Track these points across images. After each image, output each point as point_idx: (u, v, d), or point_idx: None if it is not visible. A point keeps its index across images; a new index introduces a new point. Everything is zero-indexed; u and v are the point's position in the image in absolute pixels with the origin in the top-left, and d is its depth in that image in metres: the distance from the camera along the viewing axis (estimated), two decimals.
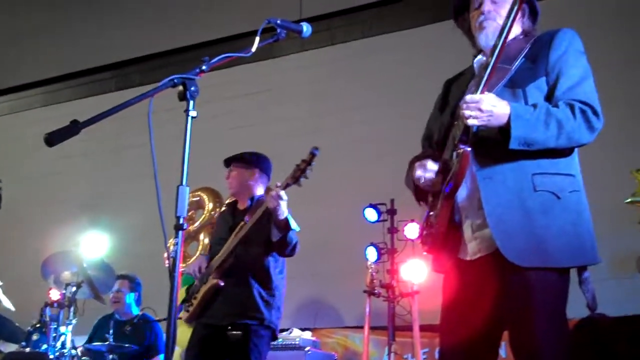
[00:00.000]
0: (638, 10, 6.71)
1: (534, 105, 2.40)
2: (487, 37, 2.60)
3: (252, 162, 4.64)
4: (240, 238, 4.33)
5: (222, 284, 4.34)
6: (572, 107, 2.40)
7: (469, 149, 2.39)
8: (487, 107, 2.32)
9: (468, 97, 2.34)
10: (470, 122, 2.34)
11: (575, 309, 2.47)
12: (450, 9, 2.85)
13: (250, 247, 4.34)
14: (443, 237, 2.57)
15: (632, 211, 5.35)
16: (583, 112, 2.40)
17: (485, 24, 2.62)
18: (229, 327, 4.27)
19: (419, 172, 2.58)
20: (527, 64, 2.53)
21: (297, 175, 4.12)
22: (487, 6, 2.63)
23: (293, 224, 4.17)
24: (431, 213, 2.63)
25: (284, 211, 4.11)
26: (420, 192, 2.70)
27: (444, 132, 2.67)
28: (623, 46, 6.35)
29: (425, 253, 2.73)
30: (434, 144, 2.75)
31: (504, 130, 2.36)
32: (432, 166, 2.57)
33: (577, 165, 2.54)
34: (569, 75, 2.48)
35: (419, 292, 6.02)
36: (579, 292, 2.41)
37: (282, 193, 4.09)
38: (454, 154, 2.44)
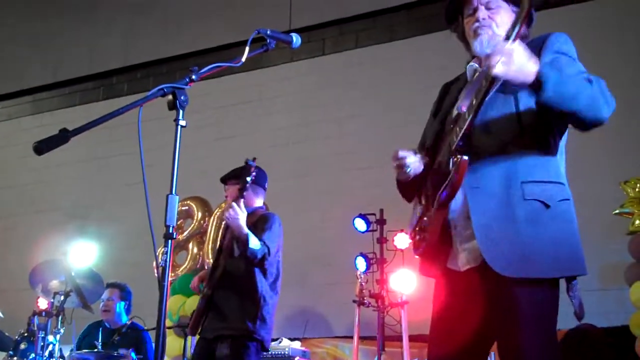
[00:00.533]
0: (624, 25, 6.77)
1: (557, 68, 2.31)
2: (482, 44, 2.56)
3: (238, 177, 4.64)
4: (224, 250, 4.40)
5: (209, 293, 4.38)
6: (587, 78, 2.33)
7: (466, 157, 2.34)
8: (519, 59, 2.20)
9: (500, 46, 2.21)
10: (498, 69, 2.20)
11: (565, 320, 2.45)
12: (443, 13, 2.79)
13: (238, 259, 4.35)
14: (435, 245, 2.55)
15: (621, 223, 5.36)
16: (599, 82, 2.33)
17: (480, 31, 2.57)
18: (218, 340, 4.30)
19: (402, 153, 2.56)
20: None
21: (241, 190, 4.25)
22: (482, 13, 2.59)
23: (252, 243, 4.19)
24: (425, 218, 2.60)
25: (240, 226, 4.17)
26: (407, 188, 2.68)
27: (433, 138, 2.66)
28: (612, 59, 6.39)
29: (416, 257, 2.70)
30: (425, 150, 2.71)
31: (534, 85, 2.25)
32: (414, 158, 2.56)
33: (564, 174, 2.50)
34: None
35: (408, 302, 6.02)
36: (568, 303, 2.40)
37: (238, 208, 4.18)
38: (451, 160, 2.40)
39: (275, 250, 4.44)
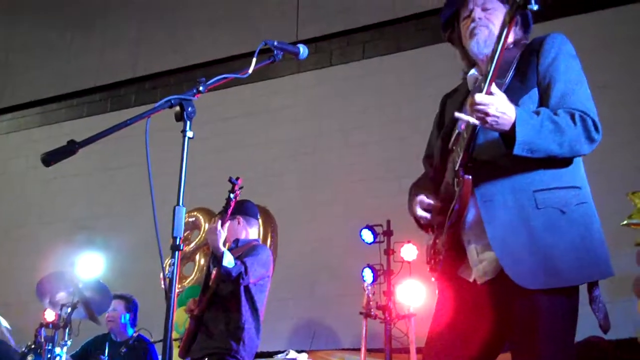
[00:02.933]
0: (629, 37, 6.76)
1: (537, 112, 2.32)
2: (479, 44, 2.55)
3: (233, 211, 4.81)
4: (213, 277, 4.54)
5: (199, 314, 4.55)
6: (572, 115, 2.32)
7: (469, 176, 2.34)
8: (494, 112, 2.22)
9: (477, 98, 2.22)
10: (473, 121, 2.26)
11: (580, 331, 2.41)
12: (439, 21, 2.80)
13: (224, 283, 4.50)
14: (450, 262, 2.53)
15: (629, 234, 5.33)
16: (583, 120, 2.32)
17: (477, 30, 2.56)
18: (205, 358, 4.49)
19: (419, 213, 2.57)
20: (518, 75, 2.47)
21: (225, 208, 4.45)
22: (478, 13, 2.58)
23: (225, 260, 4.33)
24: (437, 240, 2.58)
25: (217, 245, 4.34)
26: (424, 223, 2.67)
27: (439, 156, 2.65)
28: (624, 69, 6.38)
29: (433, 279, 2.66)
30: (434, 169, 2.71)
31: (506, 136, 2.28)
32: (430, 204, 2.56)
33: (583, 176, 2.47)
34: (562, 82, 2.41)
35: (416, 315, 5.99)
36: (583, 313, 2.37)
37: (219, 227, 4.38)
38: (455, 181, 2.40)
39: (260, 277, 4.57)
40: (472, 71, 2.65)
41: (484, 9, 2.59)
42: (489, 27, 2.55)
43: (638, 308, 5.08)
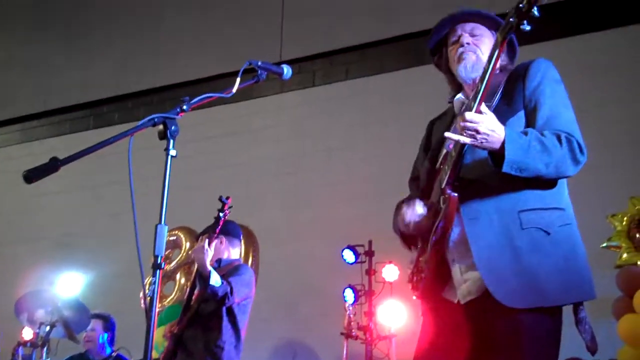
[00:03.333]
0: (604, 63, 6.85)
1: (524, 132, 2.35)
2: (467, 68, 2.59)
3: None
4: (195, 297, 4.54)
5: (179, 333, 4.51)
6: (558, 137, 2.36)
7: (456, 194, 2.36)
8: (485, 129, 2.25)
9: (468, 116, 2.27)
10: (463, 140, 2.29)
11: (563, 352, 2.41)
12: (427, 46, 2.83)
13: (206, 302, 4.48)
14: (433, 281, 2.53)
15: (609, 256, 5.37)
16: (569, 141, 2.36)
17: (465, 55, 2.60)
18: None
19: (408, 217, 2.54)
20: (505, 99, 2.50)
21: (214, 226, 4.43)
22: (466, 39, 2.63)
23: (213, 280, 4.30)
24: (421, 258, 2.59)
25: (204, 263, 4.31)
26: (408, 238, 2.67)
27: (426, 177, 2.66)
28: (598, 90, 6.45)
29: (415, 298, 2.67)
30: (420, 190, 2.71)
31: (495, 155, 2.31)
32: (420, 209, 2.53)
33: (567, 198, 2.50)
34: (547, 105, 2.45)
35: (397, 335, 5.99)
36: (566, 334, 2.37)
37: (206, 246, 4.35)
38: (442, 198, 2.42)
39: (244, 297, 4.56)
40: (459, 95, 2.69)
41: (472, 35, 2.65)
42: (477, 53, 2.60)
43: (617, 330, 5.11)
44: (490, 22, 2.65)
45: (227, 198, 4.42)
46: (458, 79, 2.67)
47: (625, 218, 5.39)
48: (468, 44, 2.62)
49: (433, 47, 2.82)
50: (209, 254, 4.36)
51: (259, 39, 8.73)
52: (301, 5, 8.76)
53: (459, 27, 2.68)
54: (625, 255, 5.27)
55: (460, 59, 2.62)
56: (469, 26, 2.67)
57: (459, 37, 2.66)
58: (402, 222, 2.58)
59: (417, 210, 2.53)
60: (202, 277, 4.35)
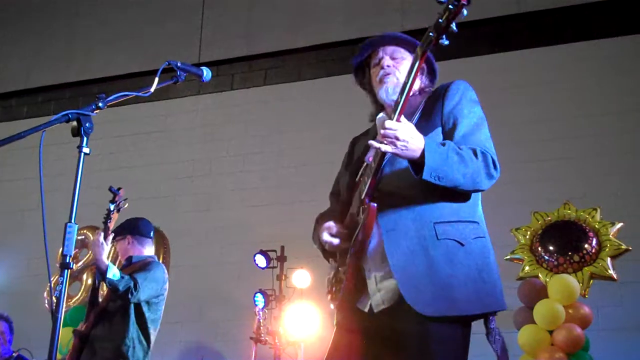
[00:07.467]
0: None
1: (442, 144, 2.41)
2: (387, 91, 2.65)
3: (122, 230, 4.79)
4: (106, 296, 4.50)
5: (85, 332, 4.44)
6: (474, 150, 2.43)
7: (375, 204, 2.39)
8: (404, 136, 2.29)
9: (387, 124, 2.30)
10: (384, 148, 2.32)
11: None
12: (351, 65, 2.88)
13: (115, 301, 4.44)
14: (351, 292, 2.56)
15: (511, 268, 5.52)
16: (484, 155, 2.43)
17: (386, 79, 2.67)
18: None
19: (326, 237, 2.57)
20: (423, 118, 2.57)
21: (104, 220, 4.41)
22: (387, 61, 2.69)
23: (110, 273, 4.24)
24: (340, 269, 2.62)
25: (101, 258, 4.26)
26: (328, 251, 2.70)
27: (346, 189, 2.71)
28: (500, 108, 6.66)
29: (332, 307, 2.69)
30: (340, 202, 2.75)
31: (415, 163, 2.35)
32: (338, 231, 2.57)
33: (481, 213, 2.57)
34: (464, 124, 2.52)
35: (305, 341, 6.01)
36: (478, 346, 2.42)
37: (102, 240, 4.31)
38: (361, 209, 2.46)
39: (153, 294, 4.49)
40: (381, 114, 2.74)
41: (393, 58, 2.72)
42: (397, 76, 2.66)
43: (517, 340, 5.27)
44: (410, 46, 2.72)
45: (119, 189, 4.36)
46: (380, 100, 2.73)
47: (528, 232, 5.56)
48: (388, 66, 2.69)
49: (356, 67, 2.88)
50: (105, 248, 4.28)
51: (178, 39, 8.64)
52: (221, 8, 8.73)
53: (381, 49, 2.75)
54: (527, 268, 5.42)
55: (381, 81, 2.69)
56: (390, 49, 2.74)
57: (380, 60, 2.73)
58: (319, 239, 2.64)
59: (336, 231, 2.58)
60: (100, 270, 4.26)
